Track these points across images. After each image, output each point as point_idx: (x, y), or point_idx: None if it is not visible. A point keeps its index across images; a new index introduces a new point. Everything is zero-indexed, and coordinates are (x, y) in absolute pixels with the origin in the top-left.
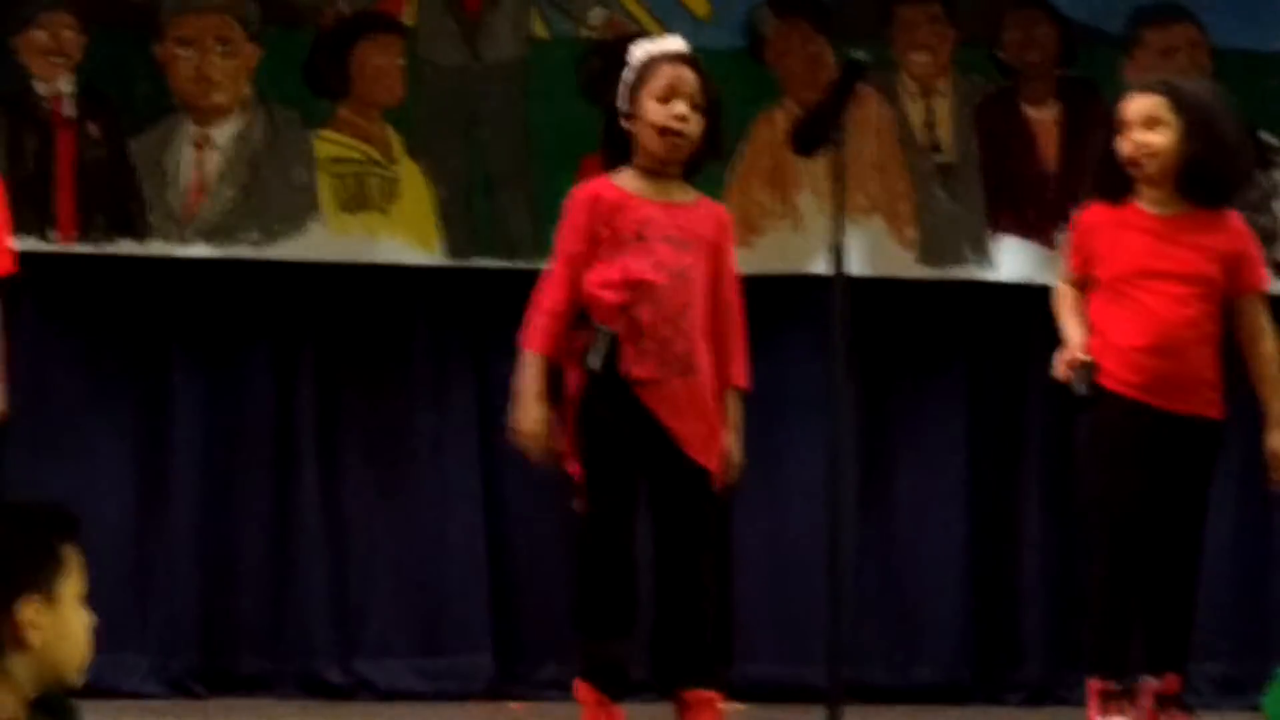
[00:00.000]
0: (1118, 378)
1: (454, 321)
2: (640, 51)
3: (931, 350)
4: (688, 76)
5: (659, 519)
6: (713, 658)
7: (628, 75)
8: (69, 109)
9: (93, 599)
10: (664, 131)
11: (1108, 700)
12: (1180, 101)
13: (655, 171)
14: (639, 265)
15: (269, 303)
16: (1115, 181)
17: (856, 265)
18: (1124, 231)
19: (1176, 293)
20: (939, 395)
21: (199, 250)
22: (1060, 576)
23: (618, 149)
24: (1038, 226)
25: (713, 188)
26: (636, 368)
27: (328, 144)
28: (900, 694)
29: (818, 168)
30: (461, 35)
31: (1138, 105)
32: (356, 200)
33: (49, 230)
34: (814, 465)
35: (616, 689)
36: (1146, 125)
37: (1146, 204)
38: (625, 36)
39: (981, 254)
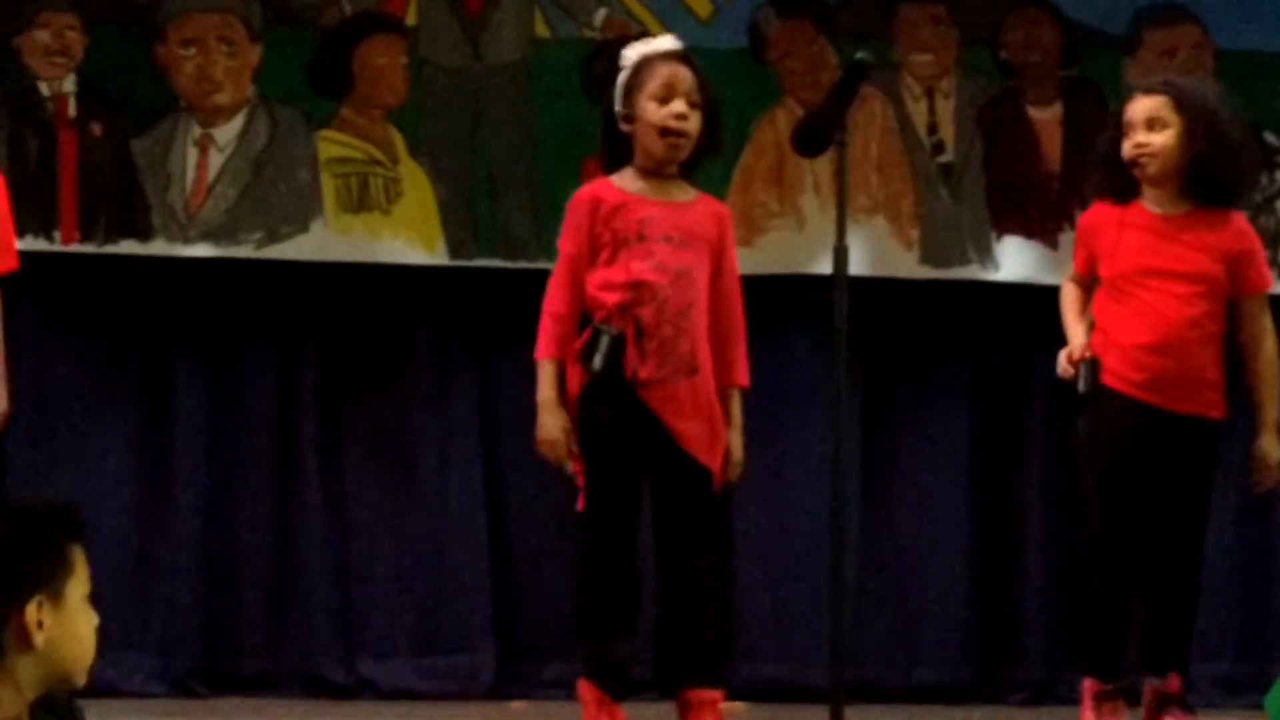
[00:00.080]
0: (1120, 376)
1: (456, 322)
2: (633, 53)
3: (934, 351)
4: (684, 75)
5: (661, 519)
6: (714, 657)
7: (622, 78)
8: (72, 109)
9: (95, 599)
10: (665, 132)
11: (1101, 701)
12: (1182, 102)
13: (655, 172)
14: (640, 266)
15: (271, 303)
16: (1121, 181)
17: (859, 265)
18: (1127, 231)
19: (1179, 292)
20: (941, 395)
21: (201, 250)
22: (1062, 577)
23: (617, 151)
24: (1040, 227)
25: (717, 187)
26: (640, 369)
27: (330, 144)
28: (901, 694)
29: (820, 168)
30: (464, 35)
31: (1140, 106)
32: (359, 200)
33: (52, 230)
34: (816, 465)
35: (618, 688)
36: (1149, 126)
37: (1150, 204)
38: (628, 37)
39: (984, 254)
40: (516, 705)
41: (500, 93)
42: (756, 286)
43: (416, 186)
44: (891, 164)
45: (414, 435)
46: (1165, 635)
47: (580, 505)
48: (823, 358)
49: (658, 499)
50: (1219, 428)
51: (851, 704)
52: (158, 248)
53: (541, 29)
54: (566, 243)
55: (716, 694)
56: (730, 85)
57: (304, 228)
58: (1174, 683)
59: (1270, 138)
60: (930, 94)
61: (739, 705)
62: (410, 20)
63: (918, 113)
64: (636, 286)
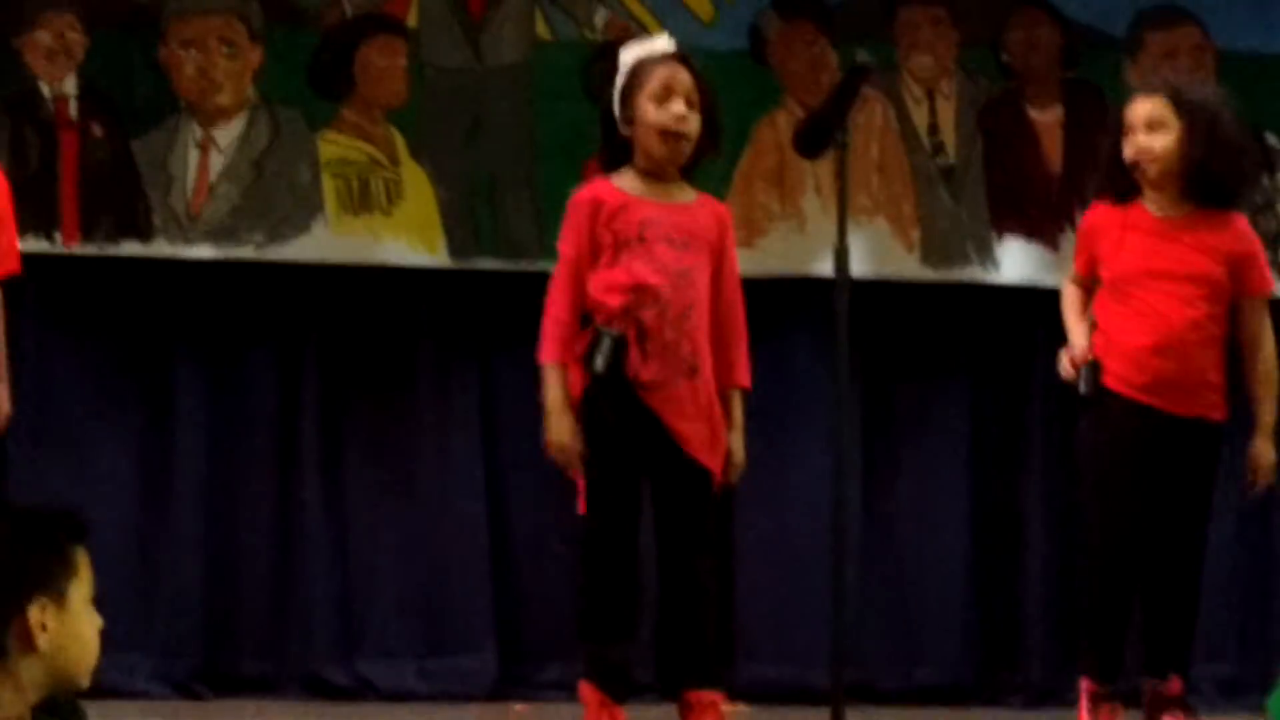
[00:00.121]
0: (1121, 378)
1: (457, 323)
2: (629, 55)
3: (934, 352)
4: (682, 75)
5: (661, 520)
6: (715, 659)
7: (619, 80)
8: (73, 110)
9: (96, 600)
10: (666, 134)
11: (1099, 702)
12: (1182, 104)
13: (656, 173)
14: (642, 268)
15: (272, 304)
16: (1122, 183)
17: (859, 267)
18: (1128, 232)
19: (1180, 293)
20: (942, 397)
21: (203, 252)
22: (1062, 579)
23: (616, 153)
24: (1041, 228)
25: (718, 188)
26: (641, 370)
27: (331, 145)
28: (902, 695)
29: (821, 169)
30: (465, 37)
31: (1140, 108)
32: (360, 202)
33: (53, 231)
34: (817, 466)
35: (619, 690)
36: (1149, 128)
37: (1151, 205)
38: (629, 38)
39: (984, 256)
40: (517, 707)
41: (501, 94)
42: (757, 288)
43: (417, 188)
44: (892, 165)
45: (415, 437)
46: (1166, 637)
47: (580, 507)
48: (823, 359)
49: (658, 501)
50: (1220, 429)
51: (852, 705)
52: (159, 249)
53: (542, 30)
54: (566, 245)
55: (717, 695)
56: (731, 87)
57: (305, 229)
58: (1175, 684)
59: (1271, 139)
60: (931, 95)
61: (740, 707)
62: (411, 21)
63: (918, 114)
64: (638, 288)
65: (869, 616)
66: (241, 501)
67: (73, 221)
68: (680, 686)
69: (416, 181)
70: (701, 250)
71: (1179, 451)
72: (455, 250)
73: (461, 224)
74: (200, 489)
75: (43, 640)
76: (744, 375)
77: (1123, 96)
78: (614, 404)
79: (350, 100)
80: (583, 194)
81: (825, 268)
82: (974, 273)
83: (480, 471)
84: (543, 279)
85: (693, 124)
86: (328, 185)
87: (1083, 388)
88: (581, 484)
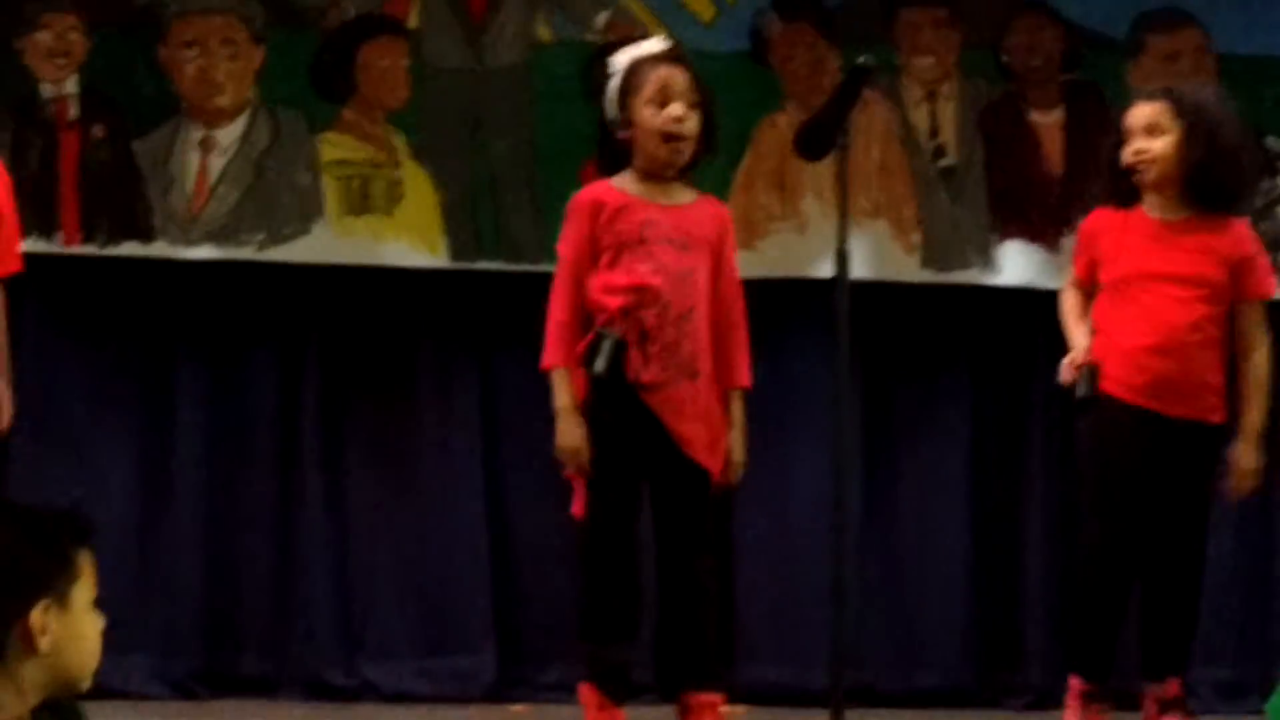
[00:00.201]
0: (1120, 381)
1: (458, 324)
2: (624, 58)
3: (935, 354)
4: (678, 76)
5: (662, 522)
6: (715, 660)
7: (614, 83)
8: (74, 111)
9: (97, 601)
10: (667, 137)
11: (1087, 701)
12: (1181, 108)
13: (655, 174)
14: (643, 269)
15: (273, 305)
16: (1122, 187)
17: (860, 269)
18: (1127, 236)
19: (1179, 295)
20: (942, 399)
21: (203, 252)
22: (1063, 581)
23: (613, 157)
24: (1042, 231)
25: (718, 190)
26: (643, 372)
27: (332, 146)
28: (902, 698)
29: (822, 171)
30: (465, 38)
31: (1140, 112)
32: (361, 203)
33: (53, 232)
34: (817, 468)
35: (619, 692)
36: (1148, 132)
37: (1151, 209)
38: (630, 40)
39: (985, 258)
40: (517, 708)
41: (502, 95)
42: (758, 289)
43: (418, 189)
44: (893, 167)
45: (415, 438)
46: (1165, 640)
47: (575, 507)
48: (824, 361)
49: (658, 502)
50: (1220, 432)
51: (852, 708)
52: (159, 249)
53: (543, 32)
54: (566, 246)
55: (717, 697)
56: (732, 88)
57: (305, 230)
58: (1173, 687)
59: (1272, 142)
60: (932, 98)
61: (739, 709)
62: (412, 23)
63: (919, 116)
64: (639, 290)
65: (869, 617)
66: (241, 501)
67: (73, 222)
68: (680, 688)
69: (417, 183)
70: (702, 251)
71: (1178, 454)
72: (456, 251)
73: (462, 225)
74: (200, 489)
75: (44, 642)
76: (744, 375)
77: (1124, 99)
78: (614, 406)
79: (351, 101)
80: (583, 195)
81: (826, 269)
82: (974, 275)
83: (480, 471)
84: (543, 280)
85: (692, 124)
86: (328, 186)
87: (1081, 391)
88: (580, 486)
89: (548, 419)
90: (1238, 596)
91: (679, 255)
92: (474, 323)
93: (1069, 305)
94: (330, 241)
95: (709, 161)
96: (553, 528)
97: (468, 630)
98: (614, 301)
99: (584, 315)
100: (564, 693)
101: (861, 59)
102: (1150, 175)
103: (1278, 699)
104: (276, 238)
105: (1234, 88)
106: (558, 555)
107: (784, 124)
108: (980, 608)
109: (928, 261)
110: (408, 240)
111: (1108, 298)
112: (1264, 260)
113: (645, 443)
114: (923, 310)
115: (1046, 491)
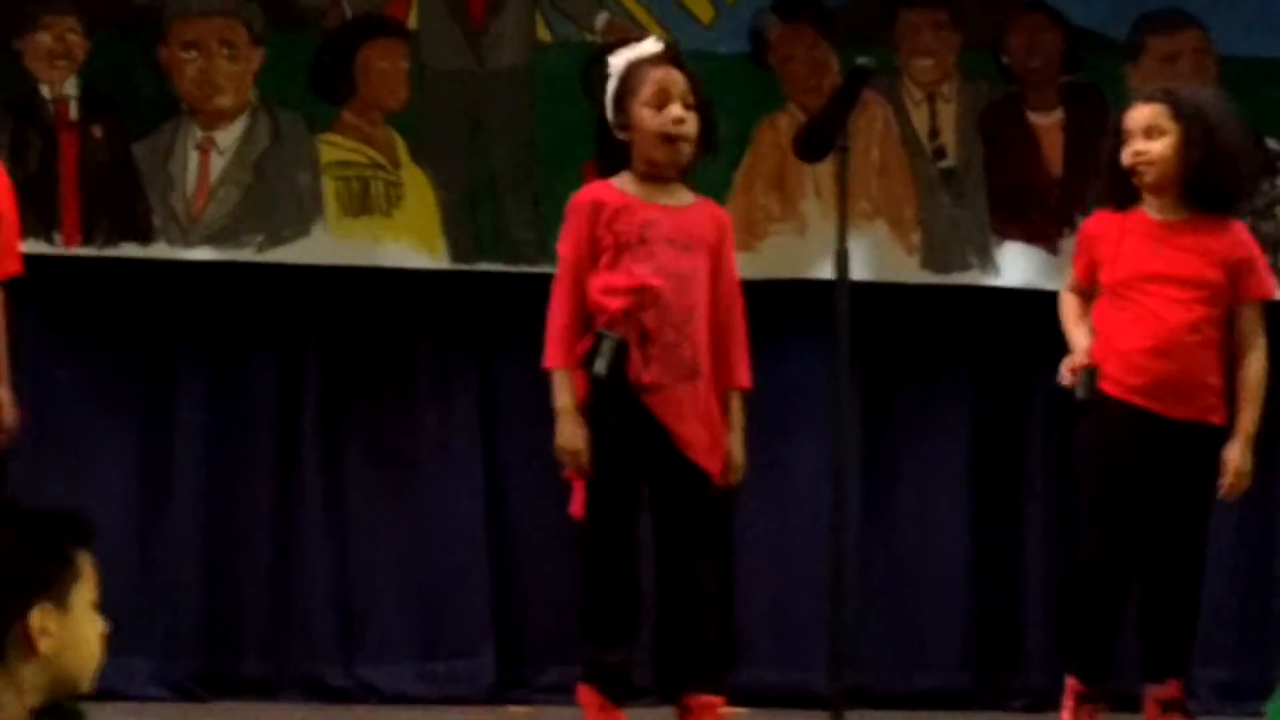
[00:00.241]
0: (1119, 382)
1: (457, 325)
2: (620, 60)
3: (935, 356)
4: (676, 77)
5: (661, 523)
6: (715, 662)
7: (612, 85)
8: (73, 112)
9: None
10: (667, 139)
11: (1082, 702)
12: (1180, 110)
13: (655, 175)
14: (643, 270)
15: (273, 306)
16: (1121, 189)
17: (860, 270)
18: (1127, 237)
19: (1178, 296)
20: (942, 400)
21: (203, 254)
22: (1063, 583)
23: (611, 159)
24: (1041, 232)
25: (718, 191)
26: (643, 373)
27: (331, 148)
28: (902, 700)
29: (822, 172)
30: (465, 40)
31: (1139, 114)
32: (360, 204)
33: (53, 233)
34: (817, 470)
35: (619, 693)
36: (1147, 134)
37: (1150, 211)
38: (629, 41)
39: (985, 259)
40: (516, 710)
41: (501, 96)
42: (758, 291)
43: (418, 190)
44: (893, 169)
45: (415, 439)
46: (1165, 641)
47: (575, 508)
48: (824, 362)
49: (658, 504)
50: (1220, 433)
51: (852, 709)
52: (159, 250)
53: (543, 33)
54: (566, 247)
55: (717, 699)
56: (732, 89)
57: (305, 231)
58: (1173, 689)
59: (1272, 143)
60: (932, 99)
61: (738, 711)
62: (412, 24)
63: (919, 117)
64: (640, 291)
65: (869, 619)
66: (241, 503)
67: (73, 223)
68: (680, 689)
69: (417, 184)
70: (702, 252)
71: (1178, 455)
72: (455, 253)
73: (462, 226)
74: (200, 489)
75: (44, 644)
76: (744, 376)
77: (1124, 100)
78: (614, 407)
79: (351, 102)
80: (582, 196)
81: (825, 270)
82: (974, 276)
83: (480, 471)
84: (543, 281)
85: (691, 125)
86: (328, 188)
87: (1080, 392)
88: (579, 487)
89: (547, 420)
90: (1238, 596)
91: (679, 256)
92: (473, 324)
93: (1068, 307)
94: (330, 243)
95: (708, 161)
96: (552, 529)
97: (467, 631)
98: (614, 303)
99: (584, 316)
100: (563, 694)
101: (861, 60)
102: (1149, 177)
103: (1278, 699)
104: (276, 239)
105: (1234, 89)
106: (557, 556)
107: (784, 125)
108: (980, 609)
109: (927, 262)
110: (407, 241)
111: (1107, 300)
112: (1263, 262)
113: (645, 444)
114: (922, 311)
115: (1046, 492)
